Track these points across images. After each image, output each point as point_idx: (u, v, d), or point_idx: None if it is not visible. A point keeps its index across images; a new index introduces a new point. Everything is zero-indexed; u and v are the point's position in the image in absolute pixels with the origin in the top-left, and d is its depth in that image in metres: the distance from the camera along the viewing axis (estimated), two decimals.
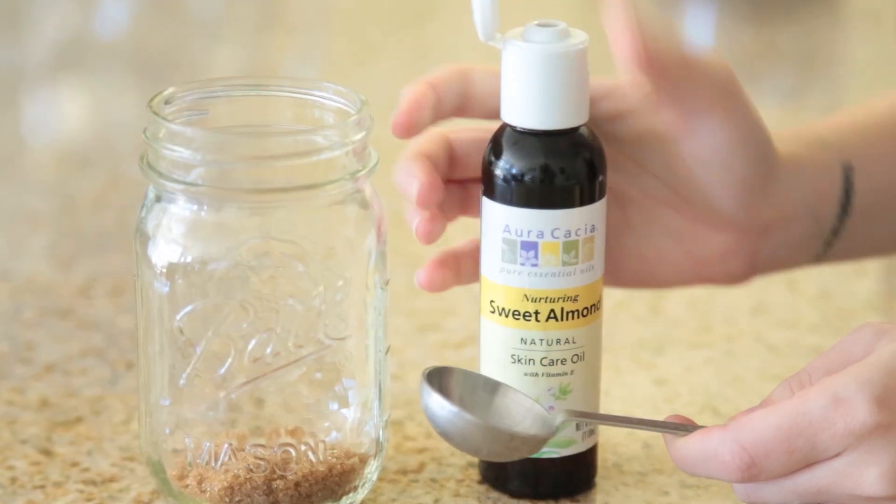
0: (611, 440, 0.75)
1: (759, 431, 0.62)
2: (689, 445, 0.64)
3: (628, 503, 0.70)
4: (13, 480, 0.71)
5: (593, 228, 0.68)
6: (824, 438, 0.62)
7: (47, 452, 0.74)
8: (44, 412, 0.78)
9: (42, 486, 0.71)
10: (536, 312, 0.68)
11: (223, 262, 0.65)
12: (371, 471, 0.69)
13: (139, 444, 0.69)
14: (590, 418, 0.67)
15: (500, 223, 0.67)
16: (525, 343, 0.68)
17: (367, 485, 0.69)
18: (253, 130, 0.68)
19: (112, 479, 0.71)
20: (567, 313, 0.68)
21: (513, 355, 0.68)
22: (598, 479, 0.72)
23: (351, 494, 0.68)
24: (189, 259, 0.66)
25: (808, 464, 0.62)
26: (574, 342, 0.68)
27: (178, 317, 0.66)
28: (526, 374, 0.68)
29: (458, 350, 0.84)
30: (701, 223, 0.73)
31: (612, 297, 0.91)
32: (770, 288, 0.91)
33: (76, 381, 0.81)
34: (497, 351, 0.69)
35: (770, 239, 0.75)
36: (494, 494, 0.71)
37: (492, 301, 0.68)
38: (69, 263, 0.96)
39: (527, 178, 0.67)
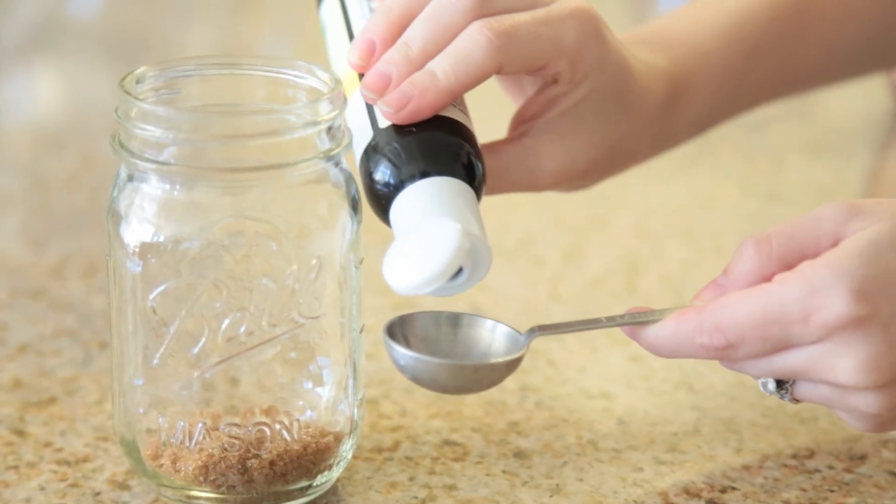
0: (586, 417, 0.76)
1: (735, 315, 0.63)
2: (664, 329, 0.64)
3: (603, 479, 0.70)
4: None
5: None
6: (799, 328, 0.62)
7: (20, 433, 0.74)
8: (17, 392, 0.77)
9: (15, 467, 0.71)
10: None
11: (196, 241, 0.65)
12: (346, 449, 0.69)
13: (113, 424, 0.69)
14: (556, 330, 0.67)
15: None
16: None
17: (341, 463, 0.69)
18: (225, 109, 0.68)
19: (86, 459, 0.71)
20: None
21: None
22: (573, 456, 0.72)
23: (326, 473, 0.68)
24: (162, 238, 0.65)
25: (784, 348, 0.63)
26: None
27: (151, 296, 0.66)
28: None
29: None
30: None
31: (587, 274, 0.91)
32: None
33: (49, 361, 0.81)
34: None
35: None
36: (470, 472, 0.71)
37: None
38: (41, 244, 0.95)
39: None
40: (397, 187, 0.65)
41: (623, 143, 0.73)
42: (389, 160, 0.65)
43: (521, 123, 0.72)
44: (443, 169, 0.65)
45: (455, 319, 0.67)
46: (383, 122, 0.66)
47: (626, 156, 0.74)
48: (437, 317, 0.67)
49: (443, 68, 0.66)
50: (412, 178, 0.65)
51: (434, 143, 0.65)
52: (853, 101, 1.18)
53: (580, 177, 0.73)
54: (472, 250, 0.63)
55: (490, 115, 0.75)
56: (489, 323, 0.66)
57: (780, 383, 0.65)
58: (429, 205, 0.64)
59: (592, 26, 0.69)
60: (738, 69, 0.78)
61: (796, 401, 0.65)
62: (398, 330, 0.65)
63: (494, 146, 0.71)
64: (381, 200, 0.66)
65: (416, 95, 0.65)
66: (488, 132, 0.72)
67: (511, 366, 0.65)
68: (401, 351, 0.64)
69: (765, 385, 0.65)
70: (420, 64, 0.66)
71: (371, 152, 0.66)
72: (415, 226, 0.63)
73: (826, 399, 0.64)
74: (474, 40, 0.66)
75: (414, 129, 0.66)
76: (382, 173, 0.65)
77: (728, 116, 0.80)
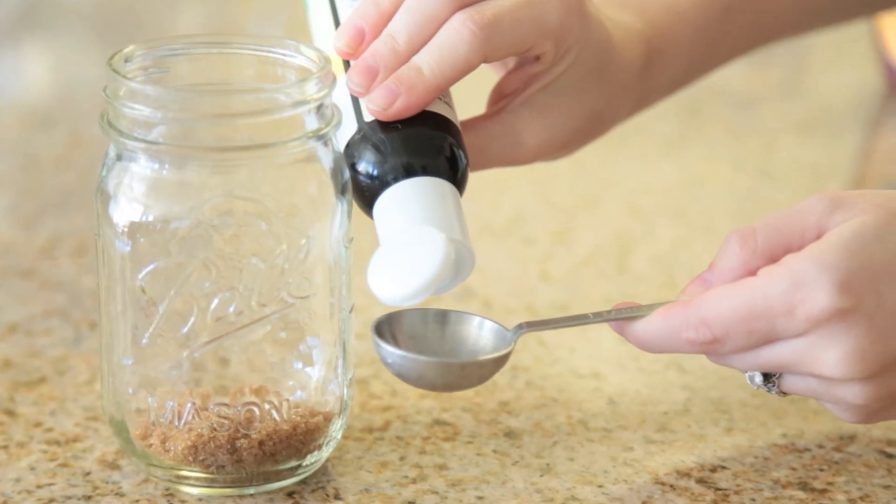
0: (576, 397, 0.76)
1: (721, 310, 0.63)
2: (650, 325, 0.65)
3: (593, 459, 0.70)
4: None
5: None
6: (783, 322, 0.62)
7: (10, 413, 0.74)
8: (7, 372, 0.77)
9: (5, 447, 0.71)
10: None
11: (185, 220, 0.65)
12: (336, 429, 0.69)
13: (102, 404, 0.69)
14: (544, 326, 0.67)
15: None
16: None
17: (331, 443, 0.69)
18: (215, 88, 0.68)
19: (76, 439, 0.71)
20: None
21: None
22: (563, 436, 0.72)
23: (315, 453, 0.68)
24: (151, 218, 0.65)
25: (769, 341, 0.63)
26: None
27: (140, 276, 0.66)
28: None
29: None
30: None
31: (577, 254, 0.91)
32: None
33: (39, 341, 0.81)
34: None
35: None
36: (460, 451, 0.71)
37: None
38: (32, 223, 0.95)
39: None
40: (382, 184, 0.65)
41: (603, 111, 0.73)
42: (375, 155, 0.66)
43: (501, 98, 0.72)
44: (428, 167, 0.65)
45: (442, 316, 0.67)
46: (368, 116, 0.66)
47: (605, 122, 0.75)
48: (424, 314, 0.67)
49: (428, 64, 0.66)
50: (396, 176, 0.65)
51: (419, 140, 0.66)
52: (844, 79, 1.18)
53: (561, 148, 0.73)
54: (457, 259, 0.63)
55: (474, 93, 0.75)
56: (476, 320, 0.67)
57: (767, 376, 0.65)
58: (414, 209, 0.64)
59: (575, 2, 0.69)
60: (712, 27, 0.78)
61: (783, 393, 0.65)
62: (386, 328, 0.65)
63: (474, 122, 0.71)
64: (365, 193, 0.66)
65: (402, 93, 0.66)
66: (472, 109, 0.72)
67: (499, 362, 0.65)
68: (388, 349, 0.64)
69: (752, 379, 0.65)
70: (406, 57, 0.66)
71: (356, 144, 0.66)
72: (400, 233, 0.64)
73: (813, 391, 0.64)
74: (458, 34, 0.66)
75: (399, 126, 0.66)
76: (367, 168, 0.66)
77: (704, 72, 0.80)
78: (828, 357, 0.62)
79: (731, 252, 0.64)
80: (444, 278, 0.63)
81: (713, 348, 0.64)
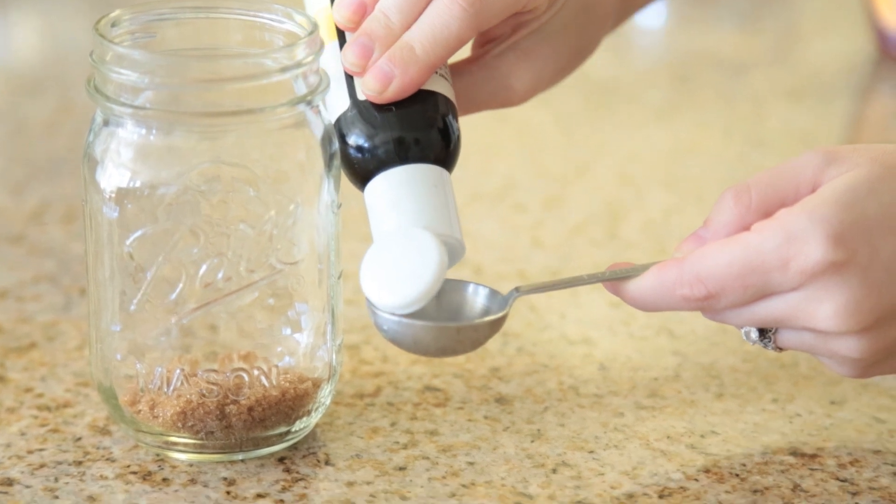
0: (567, 363, 0.76)
1: (715, 266, 0.63)
2: (645, 283, 0.65)
3: (584, 425, 0.70)
4: None
5: None
6: (777, 276, 0.62)
7: (0, 378, 0.74)
8: None
9: None
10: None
11: (173, 186, 0.65)
12: (324, 395, 0.69)
13: (90, 370, 0.69)
14: (538, 289, 0.67)
15: None
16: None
17: (320, 409, 0.69)
18: (203, 53, 0.68)
19: (66, 405, 0.71)
20: None
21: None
22: (554, 402, 0.72)
23: (304, 418, 0.68)
24: (138, 184, 0.65)
25: (764, 296, 0.63)
26: None
27: (127, 242, 0.66)
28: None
29: None
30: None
31: (570, 221, 0.91)
32: None
33: (29, 306, 0.80)
34: None
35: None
36: (451, 417, 0.71)
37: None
38: (21, 189, 0.95)
39: None
40: (375, 165, 0.65)
41: (587, 46, 0.74)
42: (367, 133, 0.65)
43: (487, 42, 0.72)
44: (421, 144, 0.65)
45: None
46: (362, 94, 0.66)
47: (590, 52, 0.75)
48: None
49: (421, 43, 0.66)
50: (389, 156, 0.65)
51: (412, 119, 0.66)
52: (835, 45, 1.18)
53: (548, 85, 0.73)
54: (449, 255, 0.64)
55: None
56: (471, 285, 0.66)
57: (763, 332, 0.65)
58: (407, 205, 0.64)
59: None
60: None
61: (780, 349, 0.65)
62: None
63: (460, 66, 0.71)
64: (357, 170, 0.66)
65: (397, 76, 0.65)
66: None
67: (494, 326, 0.65)
68: (383, 315, 0.64)
69: (747, 334, 0.65)
70: (399, 34, 0.66)
71: (348, 121, 0.66)
72: (395, 234, 0.64)
73: (809, 346, 0.64)
74: (449, 11, 0.66)
75: (392, 104, 0.66)
76: (359, 145, 0.66)
77: None
78: (822, 310, 0.62)
79: (725, 208, 0.64)
80: (438, 286, 0.63)
81: (708, 304, 0.63)
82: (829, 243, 0.61)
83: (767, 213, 0.63)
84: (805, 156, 0.64)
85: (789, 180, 0.64)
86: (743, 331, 0.65)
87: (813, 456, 0.68)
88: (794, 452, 0.69)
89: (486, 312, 0.65)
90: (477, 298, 0.66)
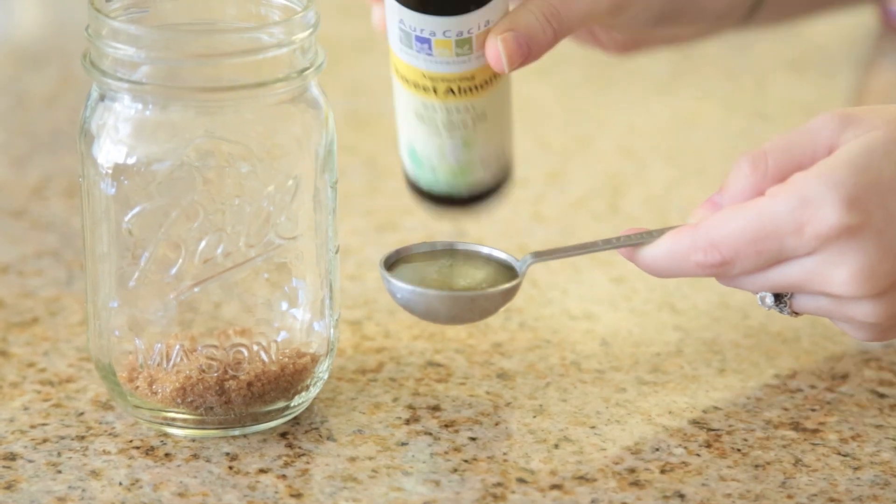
0: (569, 338, 0.76)
1: (729, 231, 0.62)
2: (659, 249, 0.64)
3: (586, 400, 0.70)
4: None
5: (488, 22, 0.69)
6: (792, 241, 0.61)
7: (3, 353, 0.74)
8: None
9: None
10: (434, 88, 0.70)
11: (168, 161, 0.65)
12: (322, 370, 0.69)
13: (88, 346, 0.69)
14: (553, 255, 0.66)
15: (395, 16, 0.68)
16: (427, 108, 0.70)
17: (318, 384, 0.69)
18: (199, 28, 0.67)
19: (69, 380, 0.71)
20: (464, 89, 0.70)
21: (417, 113, 0.71)
22: (556, 377, 0.72)
23: (303, 393, 0.68)
24: (135, 159, 0.65)
25: (779, 261, 0.62)
26: (474, 109, 0.70)
27: (126, 218, 0.65)
28: (429, 132, 0.71)
29: None
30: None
31: (570, 195, 0.91)
32: None
33: (32, 281, 0.80)
34: (404, 106, 0.71)
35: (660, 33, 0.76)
36: (454, 392, 0.71)
37: (396, 68, 0.70)
38: (22, 163, 0.95)
39: None
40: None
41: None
42: None
43: None
44: None
45: (451, 248, 0.67)
46: None
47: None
48: (432, 246, 0.67)
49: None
50: None
51: None
52: (837, 18, 1.17)
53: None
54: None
55: None
56: (485, 250, 0.66)
57: (779, 297, 0.64)
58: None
59: None
60: None
61: (796, 314, 0.64)
62: (394, 262, 0.65)
63: None
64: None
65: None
66: None
67: (507, 295, 0.64)
68: (398, 284, 0.64)
69: (763, 300, 0.64)
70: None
71: None
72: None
73: (825, 310, 0.64)
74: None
75: None
76: None
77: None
78: (838, 275, 0.61)
79: (741, 175, 0.64)
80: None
81: (723, 270, 0.63)
82: (843, 207, 0.60)
83: (784, 179, 0.63)
84: (820, 119, 0.63)
85: (805, 145, 0.63)
86: (758, 296, 0.65)
87: (815, 431, 0.68)
88: (796, 427, 0.69)
89: (500, 279, 0.65)
90: (490, 264, 0.66)
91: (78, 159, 0.66)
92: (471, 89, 0.70)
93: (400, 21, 0.68)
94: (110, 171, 0.65)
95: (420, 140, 0.71)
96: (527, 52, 0.69)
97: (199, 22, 0.67)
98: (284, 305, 0.68)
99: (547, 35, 0.69)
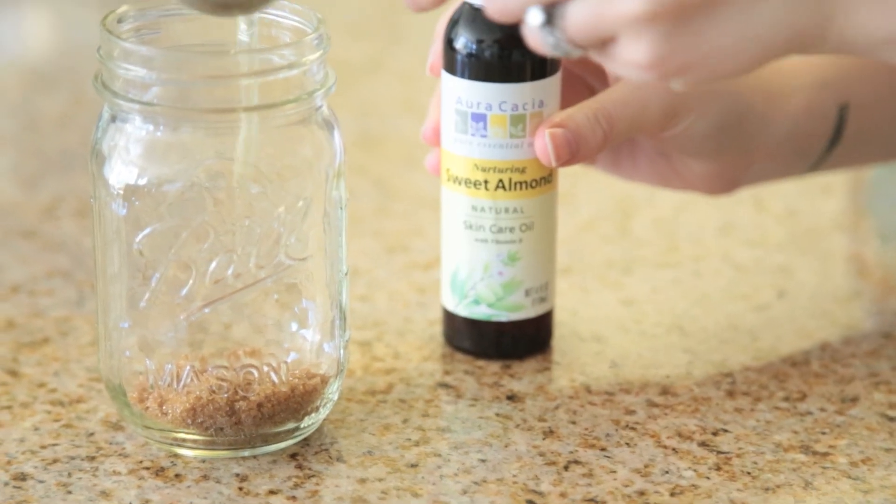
0: (578, 360, 0.76)
1: None
2: None
3: (595, 422, 0.70)
4: None
5: (542, 104, 0.71)
6: None
7: (14, 373, 0.74)
8: (10, 333, 0.77)
9: (9, 407, 0.71)
10: (486, 181, 0.72)
11: (178, 182, 0.65)
12: (332, 391, 0.69)
13: (99, 367, 0.69)
14: None
15: (453, 95, 0.71)
16: (476, 210, 0.72)
17: (328, 405, 0.69)
18: (210, 49, 0.67)
19: (79, 400, 0.71)
20: (515, 183, 0.72)
21: (465, 221, 0.72)
22: (565, 399, 0.72)
23: (313, 415, 0.68)
24: (146, 180, 0.65)
25: None
26: (522, 212, 0.72)
27: (137, 239, 0.66)
28: (477, 240, 0.73)
29: (425, 271, 0.84)
30: (685, 157, 0.75)
31: (579, 218, 0.91)
32: (737, 207, 0.91)
33: (42, 301, 0.81)
34: (452, 217, 0.73)
35: (752, 169, 0.76)
36: (463, 414, 0.71)
37: (448, 169, 0.72)
38: (33, 183, 0.95)
39: (478, 52, 0.70)
40: None
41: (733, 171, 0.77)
42: None
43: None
44: None
45: None
46: None
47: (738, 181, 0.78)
48: None
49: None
50: None
51: None
52: None
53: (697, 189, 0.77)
54: None
55: None
56: None
57: (550, 19, 0.59)
58: None
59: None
60: None
61: (575, 46, 0.60)
62: None
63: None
64: None
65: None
66: None
67: None
68: None
69: (532, 18, 0.60)
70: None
71: None
72: None
73: (595, 15, 0.58)
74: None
75: None
76: None
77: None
78: None
79: None
80: None
81: None
82: None
83: None
84: None
85: None
86: (528, 16, 0.60)
87: (825, 454, 0.68)
88: (806, 450, 0.68)
89: None
90: None
91: (89, 180, 0.67)
92: (521, 185, 0.71)
93: (457, 100, 0.71)
94: (121, 192, 0.65)
95: (465, 258, 0.73)
96: (575, 149, 0.70)
97: (210, 43, 0.67)
98: (294, 326, 0.68)
99: (596, 135, 0.70)
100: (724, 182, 0.76)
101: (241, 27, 0.65)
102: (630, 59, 0.59)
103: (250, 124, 0.64)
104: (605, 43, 0.59)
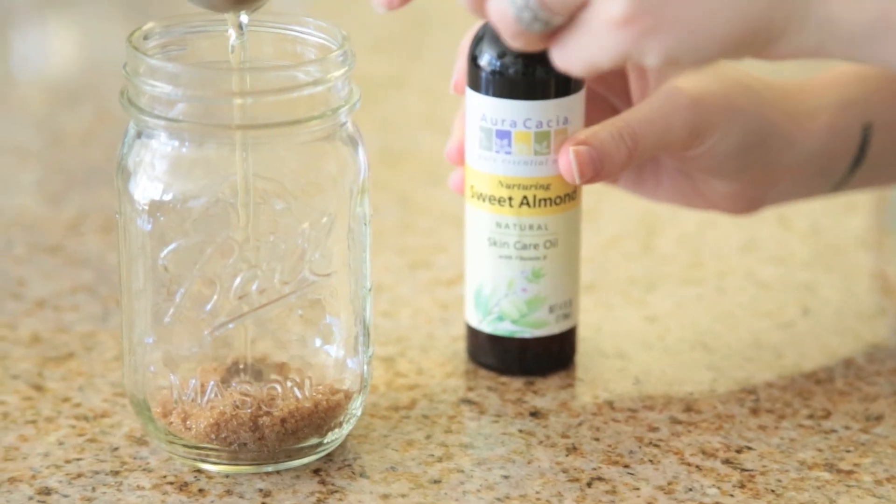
0: (601, 377, 0.75)
1: None
2: None
3: (619, 439, 0.70)
4: (5, 416, 0.71)
5: (566, 121, 0.71)
6: None
7: (39, 388, 0.74)
8: (35, 348, 0.78)
9: (34, 421, 0.71)
10: (510, 198, 0.72)
11: (203, 198, 0.65)
12: (355, 407, 0.69)
13: (123, 381, 0.69)
14: None
15: (478, 112, 0.71)
16: (500, 227, 0.72)
17: (351, 420, 0.69)
18: (235, 66, 0.68)
19: (104, 415, 0.72)
20: (539, 200, 0.72)
21: (489, 238, 0.73)
22: (588, 416, 0.72)
23: (336, 430, 0.68)
24: (171, 196, 0.65)
25: None
26: (546, 228, 0.72)
27: (162, 254, 0.66)
28: (501, 257, 0.73)
29: (448, 287, 0.84)
30: (709, 177, 0.75)
31: (603, 234, 0.91)
32: (761, 224, 0.91)
33: (67, 316, 0.81)
34: (476, 234, 0.73)
35: (776, 188, 0.76)
36: (486, 430, 0.71)
37: (472, 186, 0.73)
38: (58, 199, 0.95)
39: (502, 69, 0.70)
40: None
41: (756, 190, 0.77)
42: None
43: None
44: None
45: None
46: None
47: (764, 200, 0.78)
48: None
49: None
50: None
51: None
52: None
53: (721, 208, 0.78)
54: None
55: None
56: None
57: None
58: None
59: (710, 99, 0.72)
60: None
61: (547, 9, 0.59)
62: None
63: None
64: None
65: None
66: None
67: None
68: None
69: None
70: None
71: None
72: None
73: None
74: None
75: None
76: None
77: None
78: None
79: None
80: None
81: None
82: None
83: None
84: None
85: None
86: None
87: (849, 472, 0.68)
88: (831, 468, 0.68)
89: None
90: None
91: (115, 196, 0.67)
92: (545, 201, 0.71)
93: (482, 117, 0.71)
94: (147, 208, 0.65)
95: (489, 274, 0.73)
96: (599, 167, 0.70)
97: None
98: (318, 342, 0.68)
99: (621, 153, 0.70)
100: (748, 202, 0.76)
101: (232, 33, 0.65)
102: (603, 18, 0.58)
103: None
104: (578, 7, 0.59)
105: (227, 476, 0.67)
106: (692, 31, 0.58)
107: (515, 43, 0.60)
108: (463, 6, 0.61)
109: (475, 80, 0.71)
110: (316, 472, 0.67)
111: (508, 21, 0.59)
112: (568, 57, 0.60)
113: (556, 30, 0.60)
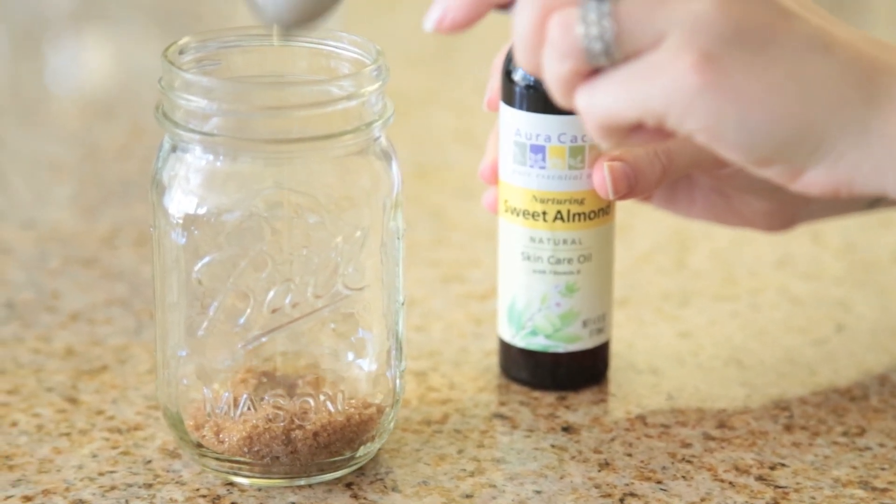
0: (634, 392, 0.75)
1: None
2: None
3: (651, 455, 0.70)
4: (39, 428, 0.72)
5: None
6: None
7: (73, 400, 0.74)
8: (69, 360, 0.78)
9: (68, 434, 0.71)
10: (544, 213, 0.72)
11: (237, 212, 0.65)
12: (388, 421, 0.69)
13: (157, 394, 0.69)
14: None
15: (512, 127, 0.71)
16: (534, 241, 0.72)
17: (384, 435, 0.69)
18: (270, 80, 0.68)
19: (137, 428, 0.72)
20: (573, 215, 0.72)
21: (523, 253, 0.73)
22: (621, 431, 0.72)
23: (368, 444, 0.68)
24: (205, 210, 0.65)
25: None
26: (580, 243, 0.72)
27: (196, 268, 0.66)
28: (535, 271, 0.73)
29: (481, 302, 0.84)
30: (743, 195, 0.75)
31: (637, 250, 0.91)
32: (794, 240, 0.91)
33: (101, 329, 0.81)
34: (510, 248, 0.73)
35: (810, 207, 0.76)
36: (518, 445, 0.71)
37: (506, 201, 0.73)
38: (93, 213, 0.96)
39: (536, 83, 0.70)
40: None
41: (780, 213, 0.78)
42: None
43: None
44: None
45: None
46: None
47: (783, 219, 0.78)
48: None
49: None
50: None
51: None
52: None
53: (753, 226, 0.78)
54: None
55: None
56: None
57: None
58: None
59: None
60: None
61: (615, 40, 0.56)
62: None
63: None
64: None
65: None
66: None
67: None
68: None
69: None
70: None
71: None
72: None
73: (656, 1, 0.56)
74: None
75: None
76: None
77: None
78: None
79: None
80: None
81: None
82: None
83: None
84: None
85: None
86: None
87: (884, 490, 0.67)
88: (865, 486, 0.68)
89: None
90: None
91: (149, 209, 0.67)
92: (579, 216, 0.72)
93: (516, 132, 0.71)
94: (181, 222, 0.66)
95: (522, 289, 0.73)
96: (633, 182, 0.70)
97: (269, 75, 0.68)
98: (351, 356, 0.68)
99: (655, 170, 0.70)
100: (782, 220, 0.76)
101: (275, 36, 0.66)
102: (677, 58, 0.55)
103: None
104: (651, 43, 0.56)
105: (259, 489, 0.67)
106: (750, 102, 0.56)
107: (557, 75, 0.58)
108: (520, 34, 0.58)
109: (509, 94, 0.71)
110: (348, 486, 0.67)
111: (575, 46, 0.57)
112: (596, 101, 0.58)
113: (595, 70, 0.58)
